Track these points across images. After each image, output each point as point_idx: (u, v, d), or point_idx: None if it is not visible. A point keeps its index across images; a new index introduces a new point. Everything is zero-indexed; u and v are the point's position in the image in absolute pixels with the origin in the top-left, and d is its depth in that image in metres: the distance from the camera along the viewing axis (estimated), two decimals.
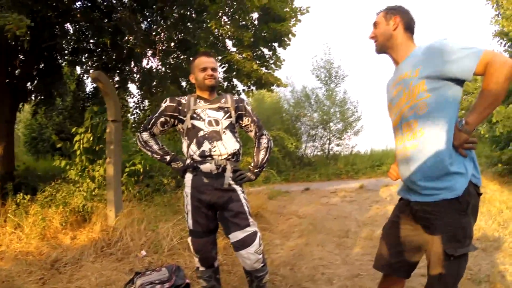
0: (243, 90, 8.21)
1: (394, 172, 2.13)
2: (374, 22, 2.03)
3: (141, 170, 5.81)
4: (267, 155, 2.81)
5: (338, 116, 16.86)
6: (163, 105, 2.70)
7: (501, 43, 10.05)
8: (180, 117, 2.65)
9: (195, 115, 2.61)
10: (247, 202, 2.65)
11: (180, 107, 2.65)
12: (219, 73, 7.66)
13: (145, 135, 2.72)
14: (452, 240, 1.72)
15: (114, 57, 8.04)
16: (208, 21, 6.94)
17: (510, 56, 9.52)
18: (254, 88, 8.14)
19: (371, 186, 10.03)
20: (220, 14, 7.07)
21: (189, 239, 2.73)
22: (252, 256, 2.53)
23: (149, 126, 2.71)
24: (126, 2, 7.25)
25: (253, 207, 5.80)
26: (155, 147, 2.73)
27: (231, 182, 2.61)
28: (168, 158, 2.71)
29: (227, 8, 6.97)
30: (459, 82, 1.73)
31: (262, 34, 7.42)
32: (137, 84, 8.59)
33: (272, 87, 8.11)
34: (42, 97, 9.03)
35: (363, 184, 10.30)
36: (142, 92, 8.94)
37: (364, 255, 4.07)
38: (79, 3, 7.40)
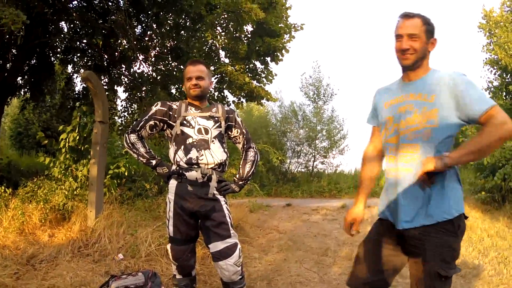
0: (233, 102, 8.25)
1: (352, 219, 2.21)
2: (411, 33, 1.83)
3: (126, 173, 5.77)
4: (252, 168, 2.83)
5: (324, 134, 16.97)
6: (154, 109, 2.69)
7: (491, 71, 10.29)
8: (170, 122, 2.65)
9: (185, 122, 2.62)
10: (229, 213, 2.66)
11: (170, 112, 2.66)
12: (213, 82, 7.73)
13: (133, 137, 2.70)
14: (444, 261, 1.76)
15: (105, 58, 8.02)
16: (203, 30, 6.98)
17: (501, 84, 9.71)
18: (244, 100, 8.19)
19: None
20: (215, 24, 7.13)
21: (168, 246, 2.72)
22: (231, 268, 2.54)
23: (138, 128, 2.70)
24: (121, 5, 7.27)
25: (234, 219, 5.72)
26: (142, 150, 2.70)
27: (216, 192, 2.62)
28: (154, 162, 2.69)
29: (222, 20, 7.03)
30: (465, 123, 1.78)
31: (256, 47, 7.49)
32: (126, 87, 8.56)
33: (262, 101, 8.17)
34: (31, 93, 8.95)
35: (345, 203, 10.35)
36: (130, 96, 8.91)
37: (342, 275, 4.09)
38: (75, 2, 7.40)
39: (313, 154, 16.94)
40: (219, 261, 2.55)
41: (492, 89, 10.24)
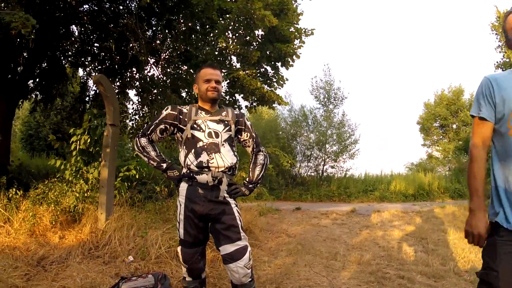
0: (246, 106, 8.27)
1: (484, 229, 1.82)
2: None
3: (136, 176, 5.81)
4: (262, 172, 2.83)
5: (334, 138, 16.88)
6: (164, 112, 2.71)
7: None
8: (180, 126, 2.67)
9: (195, 126, 2.63)
10: (240, 216, 2.67)
11: (181, 116, 2.67)
12: (223, 87, 7.76)
13: (144, 141, 2.72)
14: None
15: (117, 62, 8.10)
16: (215, 35, 7.01)
17: None
18: (256, 104, 8.21)
19: (362, 210, 10.05)
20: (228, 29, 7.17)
21: (178, 248, 2.73)
22: (241, 270, 2.54)
23: (148, 132, 2.73)
24: (132, 9, 7.34)
25: (243, 223, 5.82)
26: (153, 153, 2.72)
27: (226, 195, 2.62)
28: (164, 165, 2.71)
29: (234, 25, 7.07)
30: None
31: (267, 52, 7.50)
32: (138, 90, 8.63)
33: (273, 105, 8.18)
34: (42, 96, 9.05)
35: (355, 208, 10.32)
36: (141, 99, 8.98)
37: (351, 279, 4.07)
38: (86, 6, 7.48)
39: (323, 158, 16.88)
40: (229, 263, 2.56)
41: None
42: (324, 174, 16.81)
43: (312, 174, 16.93)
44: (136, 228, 4.65)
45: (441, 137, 25.66)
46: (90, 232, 4.54)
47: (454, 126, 24.26)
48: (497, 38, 10.17)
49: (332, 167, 17.03)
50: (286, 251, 5.28)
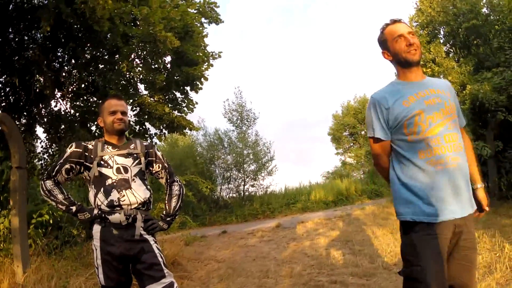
0: (155, 134, 8.04)
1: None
2: (410, 31, 2.04)
3: (50, 221, 5.34)
4: (179, 203, 2.71)
5: (251, 157, 17.13)
6: (68, 151, 2.51)
7: None
8: (87, 163, 2.49)
9: (102, 162, 2.47)
10: (160, 252, 2.52)
11: (86, 153, 2.49)
12: (130, 116, 7.46)
13: (49, 184, 2.48)
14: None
15: (22, 97, 7.46)
16: (120, 63, 6.78)
17: None
18: (166, 131, 8.02)
19: (287, 224, 10.22)
20: (132, 56, 6.97)
21: None
22: None
23: (53, 174, 2.49)
24: (38, 38, 6.84)
25: (169, 255, 5.60)
26: (60, 196, 2.47)
27: (143, 232, 2.47)
28: (74, 208, 2.47)
29: (139, 51, 6.90)
30: None
31: (175, 77, 7.41)
32: (45, 127, 8.01)
33: (184, 131, 8.05)
34: None
35: (280, 222, 10.45)
36: (49, 136, 8.33)
37: None
38: None
39: (243, 178, 16.99)
40: None
41: None
42: (246, 193, 16.89)
43: (234, 195, 16.94)
44: (56, 278, 4.25)
45: (352, 144, 27.27)
46: None
47: (363, 132, 25.88)
48: None
49: (253, 185, 17.21)
50: (217, 277, 5.14)
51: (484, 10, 10.66)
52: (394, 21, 2.09)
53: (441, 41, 11.07)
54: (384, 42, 2.10)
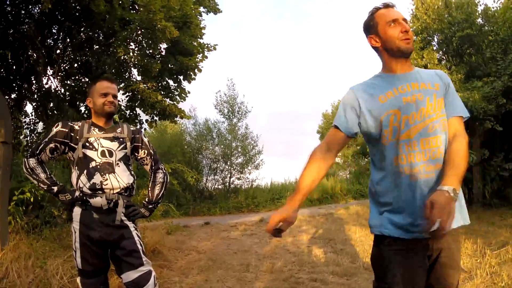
0: (146, 121, 7.96)
1: (282, 218, 1.74)
2: (404, 18, 1.80)
3: (31, 199, 5.26)
4: (162, 191, 2.69)
5: (239, 150, 17.13)
6: (54, 130, 2.48)
7: None
8: (72, 144, 2.45)
9: (87, 144, 2.44)
10: (140, 240, 2.51)
11: (72, 134, 2.46)
12: (121, 101, 7.35)
13: (32, 162, 2.45)
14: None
15: (13, 72, 7.30)
16: (115, 46, 6.67)
17: None
18: (157, 118, 7.94)
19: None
20: (128, 40, 6.86)
21: (78, 279, 2.50)
22: None
23: (37, 152, 2.46)
24: (34, 13, 6.69)
25: (150, 243, 5.57)
26: (42, 175, 2.45)
27: (124, 218, 2.45)
28: (55, 189, 2.46)
29: (136, 37, 6.79)
30: None
31: (169, 66, 7.33)
32: (34, 104, 7.86)
33: (175, 119, 7.98)
34: None
35: (263, 217, 10.47)
36: (36, 113, 8.18)
37: None
38: None
39: (229, 170, 16.98)
40: None
41: None
42: (232, 186, 16.91)
43: (220, 187, 16.97)
44: (34, 257, 4.19)
45: None
46: None
47: None
48: None
49: (239, 178, 17.23)
50: (197, 268, 5.13)
51: (479, 20, 10.77)
52: (387, 5, 1.83)
53: (434, 48, 11.16)
54: (374, 26, 1.83)
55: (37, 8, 6.56)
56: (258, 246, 6.65)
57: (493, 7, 10.65)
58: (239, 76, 69.09)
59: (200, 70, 7.67)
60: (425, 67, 10.23)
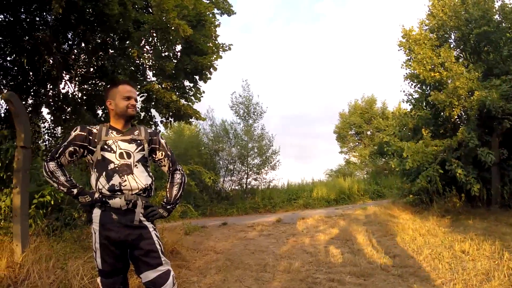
0: (161, 122, 8.03)
1: None
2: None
3: (51, 202, 5.36)
4: (180, 191, 2.70)
5: (256, 151, 17.15)
6: (73, 134, 2.52)
7: (412, 84, 11.03)
8: (90, 147, 2.49)
9: (106, 147, 2.47)
10: (159, 240, 2.52)
11: (90, 137, 2.50)
12: (138, 102, 7.45)
13: (52, 165, 2.49)
14: None
15: (30, 78, 7.47)
16: (130, 48, 6.76)
17: (420, 96, 10.45)
18: (172, 119, 8.00)
19: (287, 219, 10.21)
20: (143, 42, 6.94)
21: (98, 279, 2.52)
22: None
23: (57, 156, 2.50)
24: (49, 20, 6.84)
25: (168, 243, 5.62)
26: (62, 178, 2.49)
27: (142, 218, 2.47)
28: (75, 191, 2.49)
29: (150, 38, 6.87)
30: None
31: (184, 65, 7.38)
32: (52, 109, 8.02)
33: (190, 120, 8.03)
34: None
35: (280, 217, 10.45)
36: (54, 118, 8.34)
37: None
38: (1, 16, 6.81)
39: (246, 171, 17.02)
40: None
41: (412, 101, 11.01)
42: (248, 187, 16.94)
43: (236, 187, 17.01)
44: (55, 259, 4.27)
45: (357, 143, 27.16)
46: (7, 267, 4.07)
47: (369, 132, 25.77)
48: (404, 53, 10.98)
49: (255, 179, 17.26)
50: (215, 268, 5.14)
51: (496, 17, 10.51)
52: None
53: (451, 45, 10.96)
54: None
55: (50, 14, 6.68)
56: (275, 246, 6.64)
57: (510, 4, 10.39)
58: (252, 78, 69.25)
59: (215, 69, 7.67)
60: (442, 65, 10.08)
